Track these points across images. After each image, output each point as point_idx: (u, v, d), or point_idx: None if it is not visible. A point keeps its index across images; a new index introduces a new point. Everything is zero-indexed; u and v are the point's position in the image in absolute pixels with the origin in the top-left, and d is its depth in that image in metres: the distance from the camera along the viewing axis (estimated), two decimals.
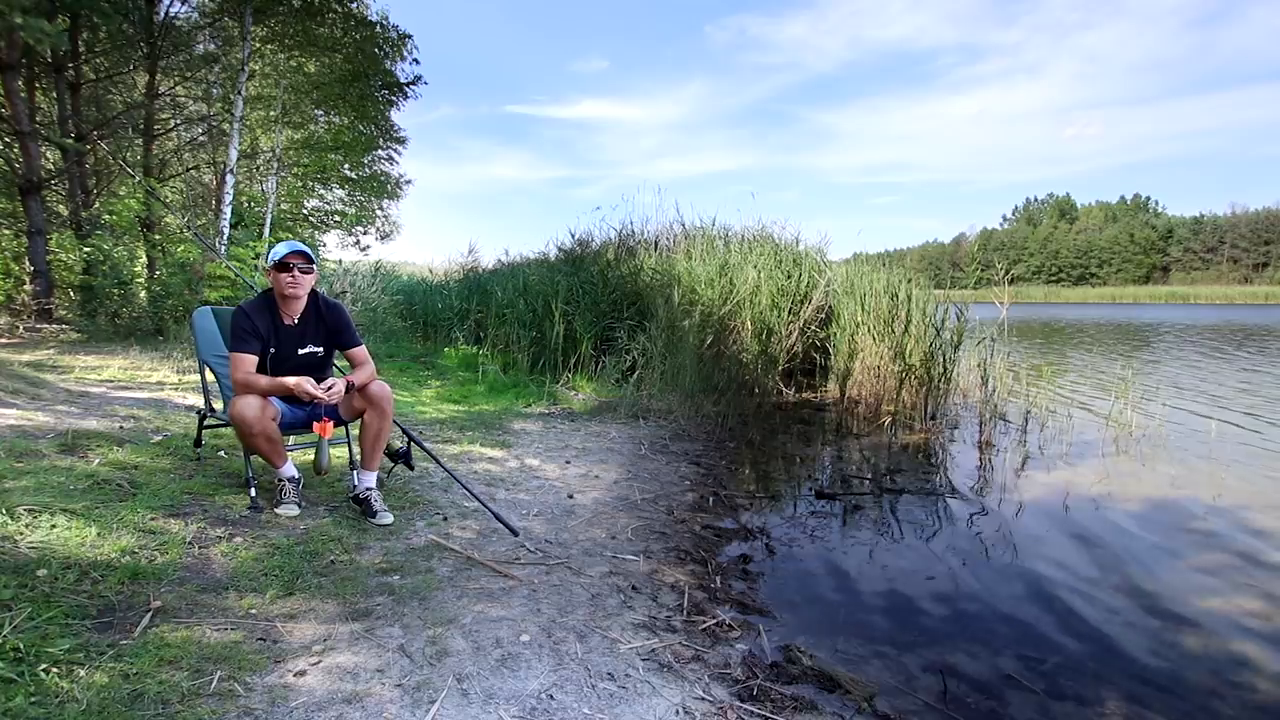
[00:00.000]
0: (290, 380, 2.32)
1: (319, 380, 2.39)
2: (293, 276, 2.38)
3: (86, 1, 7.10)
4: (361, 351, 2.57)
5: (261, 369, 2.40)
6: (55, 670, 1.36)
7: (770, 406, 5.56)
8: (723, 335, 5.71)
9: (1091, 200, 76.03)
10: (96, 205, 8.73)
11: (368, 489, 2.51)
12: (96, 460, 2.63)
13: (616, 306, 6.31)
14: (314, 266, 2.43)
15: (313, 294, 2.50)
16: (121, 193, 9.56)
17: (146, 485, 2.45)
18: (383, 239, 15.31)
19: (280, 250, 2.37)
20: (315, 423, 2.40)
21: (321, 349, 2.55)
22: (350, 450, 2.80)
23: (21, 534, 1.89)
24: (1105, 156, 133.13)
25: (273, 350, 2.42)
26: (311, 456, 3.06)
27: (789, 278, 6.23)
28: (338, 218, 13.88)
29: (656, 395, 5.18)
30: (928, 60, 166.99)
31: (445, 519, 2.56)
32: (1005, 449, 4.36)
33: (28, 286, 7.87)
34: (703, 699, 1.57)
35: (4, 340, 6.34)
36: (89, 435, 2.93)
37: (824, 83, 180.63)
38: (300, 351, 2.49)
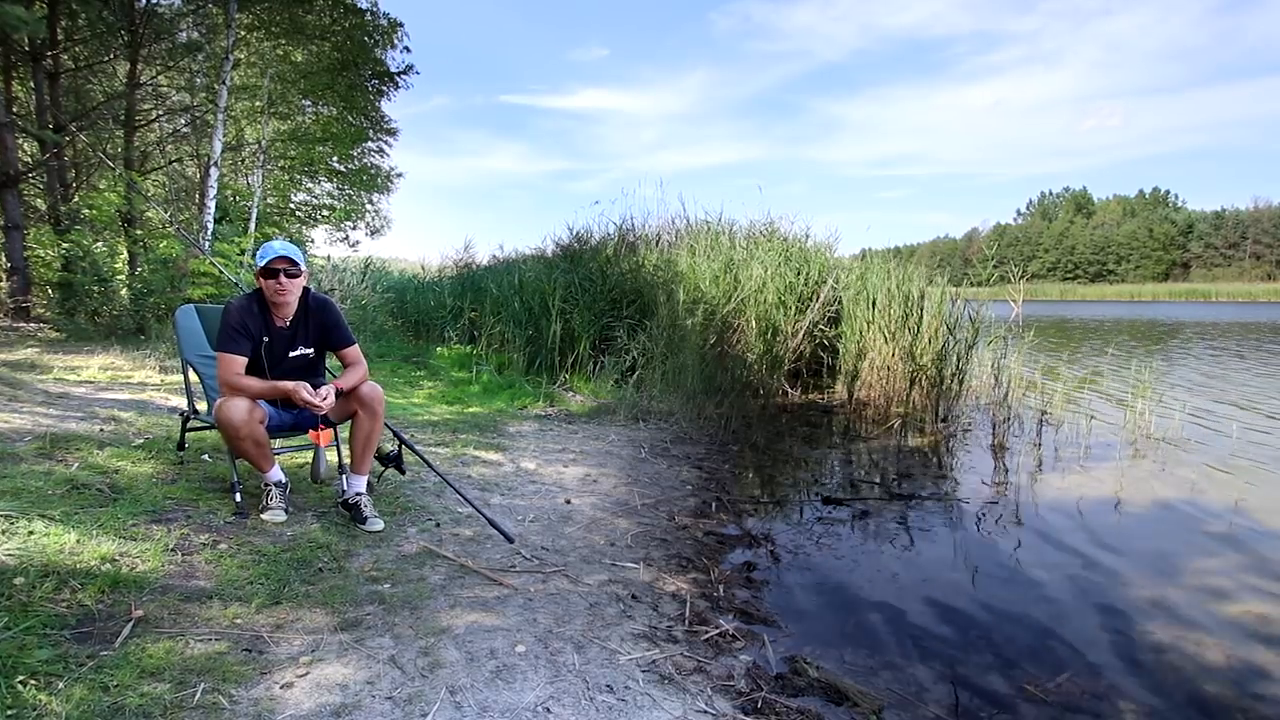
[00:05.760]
0: (288, 384, 2.26)
1: (312, 384, 2.32)
2: (279, 283, 2.30)
3: None
4: (354, 351, 2.51)
5: (253, 372, 2.33)
6: (33, 682, 1.33)
7: (775, 408, 5.52)
8: (726, 334, 5.66)
9: (1109, 194, 74.86)
10: (76, 199, 8.54)
11: (357, 494, 2.45)
12: (76, 464, 2.56)
13: (616, 305, 6.22)
14: (302, 269, 2.36)
15: (303, 291, 2.43)
16: (101, 186, 9.37)
17: (128, 490, 2.38)
18: (373, 234, 15.16)
19: (266, 254, 2.29)
20: (311, 430, 2.34)
21: (312, 350, 2.49)
22: (339, 454, 2.73)
23: None
24: (1123, 149, 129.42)
25: (264, 353, 2.35)
26: (301, 459, 3.01)
27: (798, 274, 6.17)
28: (326, 212, 13.68)
29: (657, 397, 5.13)
30: (942, 48, 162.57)
31: (438, 525, 2.51)
32: (1019, 452, 4.32)
33: (4, 284, 7.70)
34: (705, 712, 1.54)
35: None
36: (68, 438, 2.85)
37: (833, 72, 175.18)
38: (291, 354, 2.43)
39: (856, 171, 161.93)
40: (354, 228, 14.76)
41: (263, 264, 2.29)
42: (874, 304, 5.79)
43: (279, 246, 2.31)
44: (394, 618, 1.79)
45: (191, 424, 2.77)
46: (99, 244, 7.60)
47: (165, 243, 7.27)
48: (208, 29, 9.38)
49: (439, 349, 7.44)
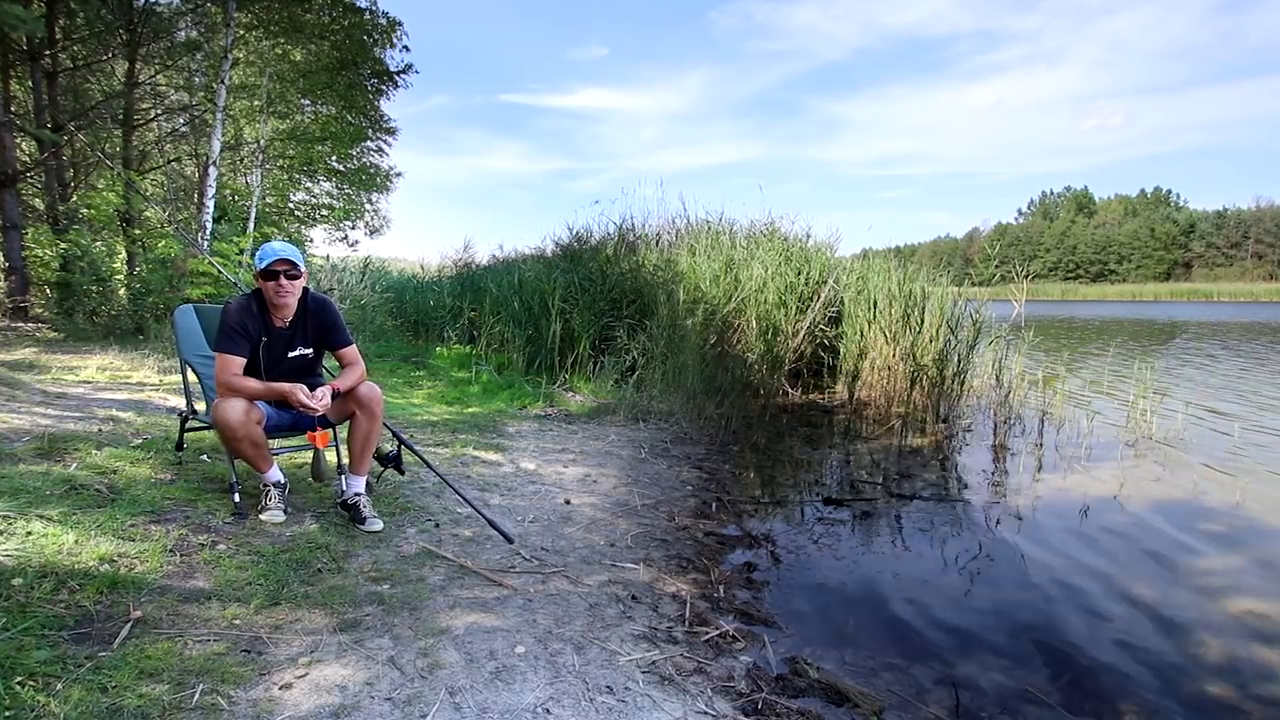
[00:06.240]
0: (284, 386, 2.26)
1: (309, 385, 2.32)
2: (279, 285, 2.30)
3: None
4: (352, 351, 2.50)
5: (251, 372, 2.33)
6: (31, 683, 1.33)
7: (776, 408, 5.50)
8: (727, 334, 5.65)
9: (1110, 194, 74.41)
10: (74, 199, 8.53)
11: (356, 494, 2.44)
12: (74, 464, 2.55)
13: (616, 304, 6.20)
14: (302, 270, 2.35)
15: (302, 291, 2.42)
16: (100, 186, 9.36)
17: (126, 490, 2.38)
18: (372, 234, 15.13)
19: (265, 257, 2.29)
20: (309, 432, 2.33)
21: (310, 350, 2.48)
22: (338, 454, 2.72)
23: None
24: (1125, 148, 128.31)
25: (262, 353, 2.35)
26: (300, 460, 3.00)
27: (798, 274, 6.16)
28: (325, 212, 13.65)
29: (657, 397, 5.12)
30: (943, 47, 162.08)
31: (437, 525, 2.50)
32: (1020, 452, 4.31)
33: (2, 284, 7.68)
34: (705, 713, 1.53)
35: None
36: (66, 438, 2.85)
37: (834, 71, 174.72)
38: (290, 355, 2.42)
39: (857, 171, 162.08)
40: (353, 227, 14.74)
41: (263, 266, 2.28)
42: (874, 304, 5.78)
43: (279, 248, 2.30)
44: (393, 618, 1.79)
45: (190, 424, 2.77)
46: (97, 244, 7.59)
47: (164, 242, 7.26)
48: (206, 28, 9.35)
49: (438, 349, 7.43)
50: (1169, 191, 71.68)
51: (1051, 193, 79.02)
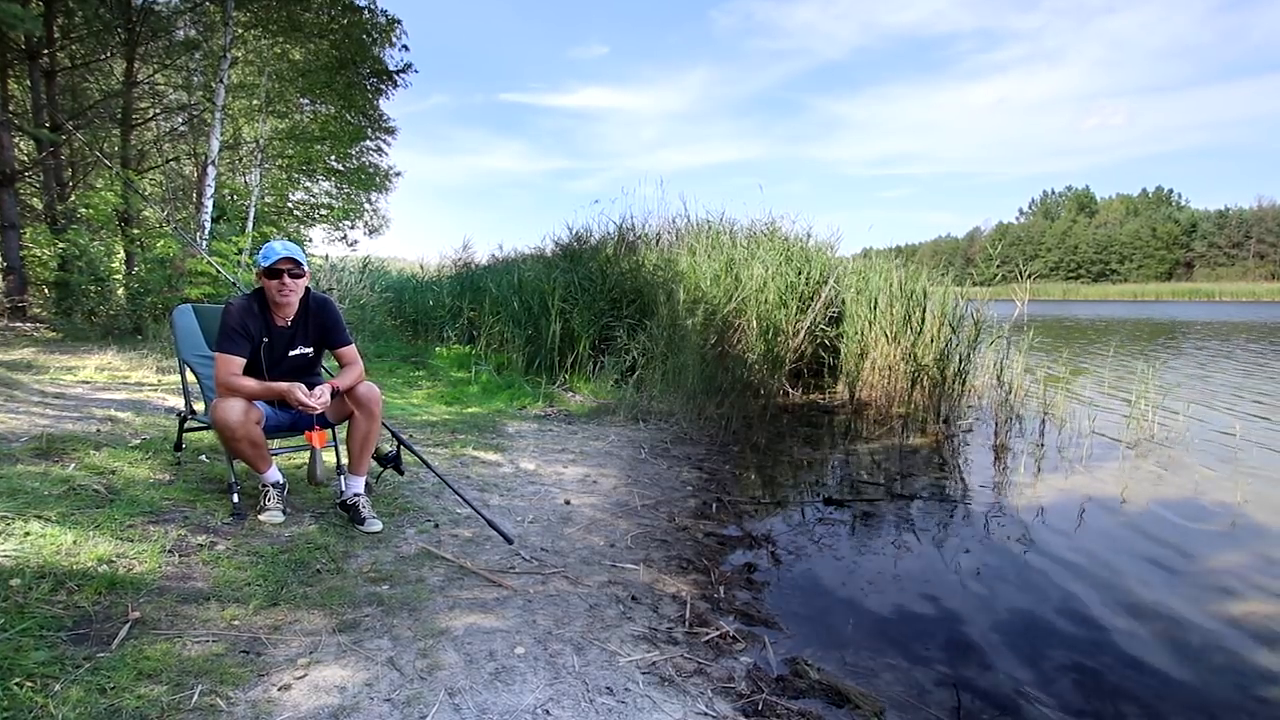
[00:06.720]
0: (282, 385, 2.26)
1: (308, 384, 2.32)
2: (283, 283, 2.30)
3: None
4: (351, 351, 2.50)
5: (251, 371, 2.32)
6: (30, 684, 1.32)
7: (776, 408, 5.50)
8: (727, 334, 5.65)
9: (1112, 193, 74.34)
10: (72, 198, 8.52)
11: (355, 495, 2.44)
12: (73, 465, 2.54)
13: (616, 304, 6.21)
14: (305, 269, 2.35)
15: (304, 290, 2.42)
16: (98, 185, 9.35)
17: (125, 491, 2.37)
18: (371, 234, 15.09)
19: (270, 255, 2.29)
20: (307, 431, 2.33)
21: (311, 349, 2.48)
22: (337, 455, 2.72)
23: None
24: (1126, 148, 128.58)
25: (263, 353, 2.34)
26: (299, 460, 2.99)
27: (799, 274, 6.17)
28: (324, 211, 13.63)
29: (657, 397, 5.12)
30: (944, 46, 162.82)
31: (436, 526, 2.50)
32: (1021, 452, 4.31)
33: (0, 284, 7.66)
34: (706, 714, 1.53)
35: None
36: (65, 439, 2.84)
37: (834, 70, 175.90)
38: (290, 354, 2.42)
39: (858, 170, 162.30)
40: (352, 227, 14.71)
41: (267, 265, 2.28)
42: (875, 304, 5.78)
43: (281, 248, 2.30)
44: (392, 619, 1.78)
45: (189, 424, 2.76)
46: (95, 243, 7.57)
47: (162, 242, 7.25)
48: (205, 27, 9.34)
49: (438, 349, 7.43)
50: (1170, 191, 71.74)
51: (1053, 192, 79.10)
